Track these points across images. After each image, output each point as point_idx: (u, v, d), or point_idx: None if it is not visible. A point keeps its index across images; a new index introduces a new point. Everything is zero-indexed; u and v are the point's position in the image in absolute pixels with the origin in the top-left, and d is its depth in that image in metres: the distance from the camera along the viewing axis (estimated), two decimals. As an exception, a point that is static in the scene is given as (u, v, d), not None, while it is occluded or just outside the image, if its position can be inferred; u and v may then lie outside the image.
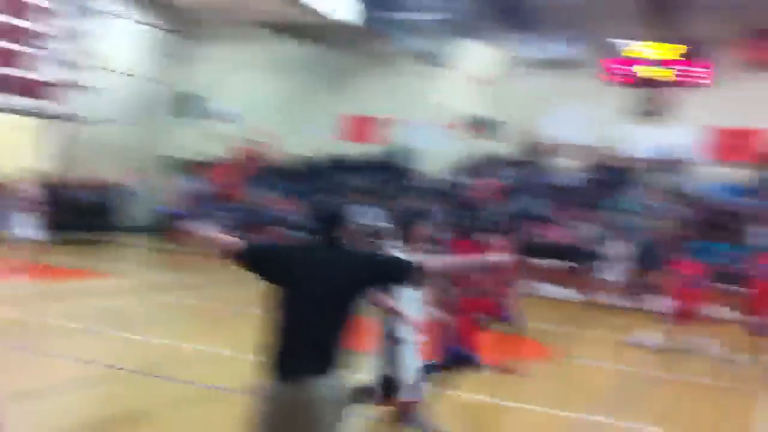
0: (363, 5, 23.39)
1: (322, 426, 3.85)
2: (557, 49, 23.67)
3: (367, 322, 5.15)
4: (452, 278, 6.88)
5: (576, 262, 18.97)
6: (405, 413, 5.54)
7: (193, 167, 27.11)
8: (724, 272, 15.79)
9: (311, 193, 24.27)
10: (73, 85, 23.33)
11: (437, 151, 24.21)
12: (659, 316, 12.37)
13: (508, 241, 7.37)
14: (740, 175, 21.36)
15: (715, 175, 21.62)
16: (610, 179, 22.29)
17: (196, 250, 22.06)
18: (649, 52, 23.02)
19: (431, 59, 23.33)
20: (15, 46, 21.79)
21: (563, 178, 23.11)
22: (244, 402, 7.57)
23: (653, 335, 12.23)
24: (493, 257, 4.52)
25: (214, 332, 11.86)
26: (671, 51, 22.74)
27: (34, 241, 15.41)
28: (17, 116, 22.44)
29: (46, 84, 22.77)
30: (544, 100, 22.94)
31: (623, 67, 23.34)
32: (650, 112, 23.14)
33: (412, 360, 5.51)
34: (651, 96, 23.16)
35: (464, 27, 22.72)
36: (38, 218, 15.86)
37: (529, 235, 19.73)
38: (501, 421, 7.87)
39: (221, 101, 27.98)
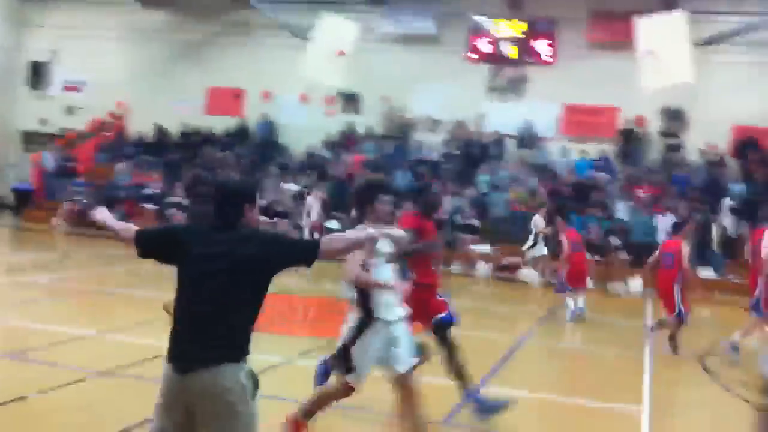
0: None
1: (229, 417, 3.57)
2: (419, 24, 23.82)
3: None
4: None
5: (444, 236, 19.23)
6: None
7: (48, 140, 25.57)
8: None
9: (171, 167, 23.50)
10: None
11: (303, 125, 23.93)
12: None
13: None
14: (595, 150, 22.35)
15: (572, 150, 22.54)
16: (473, 154, 22.76)
17: (55, 228, 21.22)
18: (506, 30, 23.58)
19: (295, 31, 22.94)
20: None
21: (428, 153, 23.40)
22: (114, 384, 7.37)
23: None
24: (394, 231, 4.39)
25: (78, 313, 11.33)
26: (522, 28, 23.38)
27: None
28: None
29: None
30: (408, 75, 23.10)
31: (484, 44, 23.80)
32: (508, 89, 23.74)
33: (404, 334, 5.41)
34: (509, 73, 23.75)
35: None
36: None
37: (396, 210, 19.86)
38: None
39: (74, 71, 26.43)
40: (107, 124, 25.87)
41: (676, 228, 12.08)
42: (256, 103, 24.91)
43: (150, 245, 3.94)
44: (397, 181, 21.78)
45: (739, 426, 7.82)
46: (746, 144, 21.27)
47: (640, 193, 20.17)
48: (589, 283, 14.73)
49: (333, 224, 19.67)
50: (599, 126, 22.77)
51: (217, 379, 3.54)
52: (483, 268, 18.60)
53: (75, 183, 22.77)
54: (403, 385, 5.41)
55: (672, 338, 10.54)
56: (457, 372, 6.44)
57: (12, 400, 6.41)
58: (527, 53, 23.44)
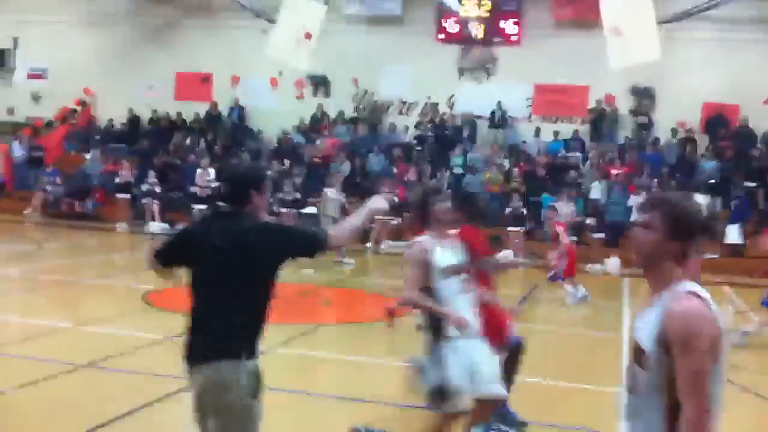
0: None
1: (225, 413, 3.56)
2: (385, 5, 23.66)
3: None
4: None
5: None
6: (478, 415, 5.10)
7: (15, 130, 25.09)
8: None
9: (142, 154, 23.26)
10: None
11: (273, 109, 23.73)
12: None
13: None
14: (567, 129, 22.45)
15: (545, 130, 22.61)
16: (445, 136, 22.75)
17: (26, 219, 20.89)
18: (473, 10, 23.49)
19: (260, 13, 22.69)
20: None
21: (401, 136, 23.36)
22: (93, 376, 7.30)
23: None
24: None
25: (54, 305, 11.19)
26: (487, 8, 23.33)
27: None
28: None
29: None
30: (377, 57, 22.95)
31: (451, 24, 23.71)
32: (478, 69, 23.70)
33: (477, 358, 4.92)
34: (478, 53, 23.71)
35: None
36: None
37: (371, 193, 19.84)
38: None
39: (37, 58, 25.92)
40: (74, 111, 25.48)
41: None
42: (225, 88, 24.64)
43: (169, 256, 3.89)
44: (371, 165, 21.78)
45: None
46: (716, 121, 21.48)
47: (613, 172, 20.30)
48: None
49: (311, 210, 19.58)
50: (570, 105, 22.85)
51: (215, 374, 3.54)
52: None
53: (45, 173, 22.46)
54: (480, 407, 5.04)
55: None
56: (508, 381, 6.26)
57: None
58: (494, 33, 23.39)
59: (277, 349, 8.55)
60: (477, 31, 23.53)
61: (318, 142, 22.61)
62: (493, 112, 22.99)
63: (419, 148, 22.49)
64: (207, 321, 3.63)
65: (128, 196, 21.24)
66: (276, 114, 23.60)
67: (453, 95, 23.50)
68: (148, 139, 23.94)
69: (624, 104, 22.52)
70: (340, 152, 21.87)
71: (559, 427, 6.50)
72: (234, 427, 3.56)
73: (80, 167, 23.23)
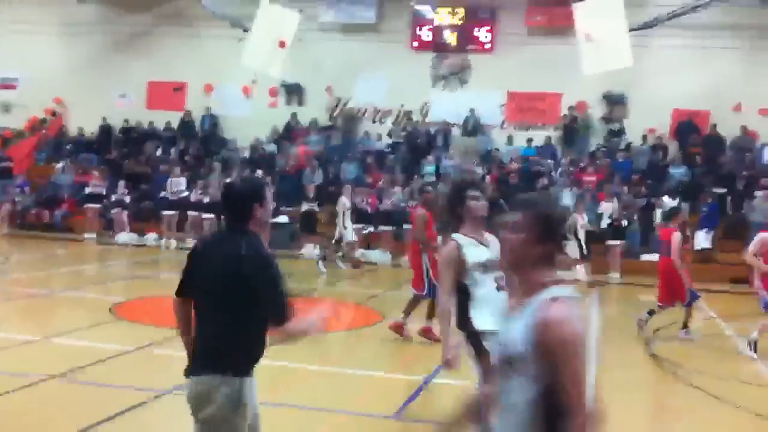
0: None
1: (206, 425, 3.70)
2: (360, 13, 23.70)
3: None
4: None
5: (392, 226, 19.23)
6: None
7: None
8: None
9: (113, 165, 23.10)
10: None
11: (247, 117, 23.65)
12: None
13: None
14: (539, 136, 22.58)
15: (518, 137, 22.71)
16: (419, 144, 22.77)
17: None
18: (447, 18, 23.60)
19: (234, 21, 22.63)
20: None
21: (374, 144, 23.37)
22: (63, 389, 7.21)
23: None
24: None
25: (23, 317, 11.06)
26: (461, 16, 23.43)
27: None
28: None
29: None
30: (351, 65, 22.98)
31: (425, 32, 23.79)
32: (452, 77, 23.78)
33: None
34: (452, 61, 23.79)
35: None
36: None
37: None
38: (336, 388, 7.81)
39: (7, 68, 25.58)
40: (45, 121, 25.23)
41: (668, 216, 12.24)
42: (198, 97, 24.53)
43: (187, 285, 3.88)
44: (345, 172, 21.75)
45: (681, 408, 8.01)
46: (686, 127, 21.69)
47: (585, 179, 20.42)
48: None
49: (282, 219, 19.51)
50: (543, 112, 22.99)
51: (200, 386, 3.67)
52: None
53: (14, 183, 22.20)
54: None
55: (685, 326, 10.77)
56: None
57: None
58: (468, 41, 23.51)
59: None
60: (451, 39, 23.63)
61: (291, 150, 22.54)
62: (466, 120, 23.06)
63: (393, 155, 22.48)
64: (202, 337, 3.75)
65: (98, 206, 21.04)
66: (249, 122, 23.52)
67: (427, 103, 23.56)
68: (119, 149, 23.76)
69: (596, 111, 22.68)
70: (312, 160, 21.81)
71: None
72: None
73: (50, 177, 22.98)
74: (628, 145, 22.00)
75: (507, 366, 2.56)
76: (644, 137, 22.00)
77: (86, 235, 20.31)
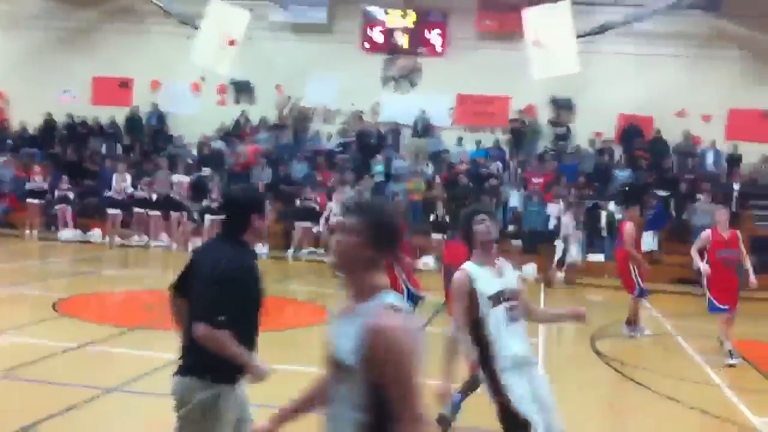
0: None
1: (179, 425, 3.81)
2: (311, 13, 23.61)
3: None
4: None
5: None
6: None
7: None
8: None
9: (56, 160, 22.61)
10: None
11: (195, 114, 23.37)
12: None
13: None
14: (488, 139, 22.76)
15: (467, 139, 22.85)
16: (369, 144, 22.77)
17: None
18: (399, 20, 23.66)
19: (183, 19, 22.35)
20: None
21: (324, 143, 23.29)
22: (4, 387, 7.01)
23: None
24: None
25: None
26: (413, 18, 23.52)
27: None
28: None
29: None
30: (302, 65, 22.86)
31: (377, 34, 23.81)
32: (402, 79, 23.83)
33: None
34: (402, 63, 23.85)
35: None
36: None
37: (293, 200, 19.75)
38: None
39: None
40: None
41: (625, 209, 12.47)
42: (145, 93, 24.16)
43: (182, 284, 3.95)
44: (294, 171, 21.64)
45: (628, 406, 8.13)
46: (631, 131, 22.09)
47: (532, 181, 20.66)
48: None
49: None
50: (491, 115, 23.17)
51: (177, 387, 3.78)
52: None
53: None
54: None
55: (629, 322, 10.99)
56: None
57: None
58: (419, 43, 23.60)
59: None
60: (402, 41, 23.69)
61: (239, 148, 22.33)
62: (416, 121, 23.15)
63: (343, 155, 22.44)
64: (188, 340, 3.78)
65: (41, 201, 20.55)
66: (197, 120, 23.24)
67: (377, 103, 23.56)
68: (63, 145, 23.26)
69: (544, 115, 22.96)
70: (261, 159, 21.65)
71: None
72: None
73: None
74: (576, 149, 22.31)
75: (335, 371, 2.51)
76: (591, 141, 22.34)
77: (27, 231, 19.81)
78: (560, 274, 16.90)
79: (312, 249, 18.88)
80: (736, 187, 20.36)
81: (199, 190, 20.11)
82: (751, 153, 21.45)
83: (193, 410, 3.69)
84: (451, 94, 23.22)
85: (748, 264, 9.65)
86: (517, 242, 18.79)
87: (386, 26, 23.72)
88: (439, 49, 23.53)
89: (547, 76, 19.63)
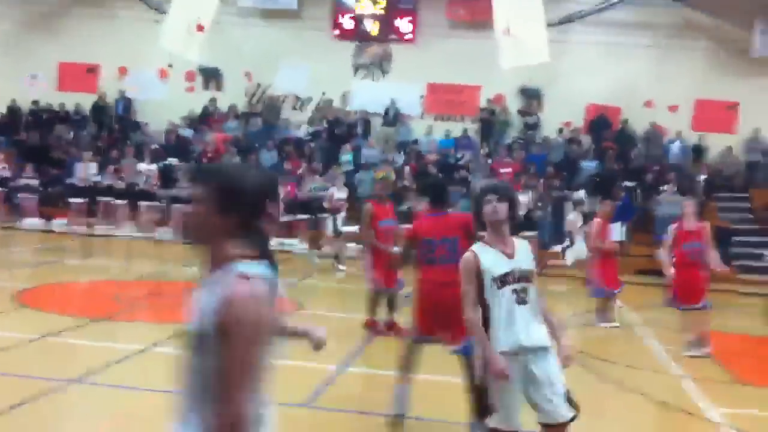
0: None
1: None
2: (283, 0, 23.42)
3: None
4: None
5: (309, 215, 19.09)
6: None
7: None
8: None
9: (21, 147, 22.27)
10: None
11: (162, 101, 23.12)
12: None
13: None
14: (458, 128, 22.78)
15: (437, 129, 22.86)
16: (339, 133, 22.68)
17: None
18: (369, 7, 23.54)
19: (151, 3, 22.07)
20: None
21: (293, 132, 23.16)
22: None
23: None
24: None
25: None
26: (382, 5, 23.42)
27: None
28: None
29: None
30: (272, 51, 22.70)
31: (347, 21, 23.68)
32: (373, 67, 23.76)
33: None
34: (373, 50, 23.78)
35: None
36: None
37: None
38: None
39: None
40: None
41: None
42: (113, 79, 23.85)
43: None
44: (263, 160, 21.50)
45: (588, 396, 8.18)
46: (599, 122, 22.24)
47: (501, 170, 20.71)
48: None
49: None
50: (461, 104, 23.21)
51: None
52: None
53: None
54: None
55: (598, 310, 11.23)
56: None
57: None
58: (390, 31, 23.52)
59: (154, 347, 8.32)
60: (372, 28, 23.59)
61: (208, 136, 22.14)
62: (386, 110, 23.10)
63: (312, 143, 22.34)
64: None
65: (3, 189, 20.24)
66: (165, 107, 23.00)
67: (347, 92, 23.47)
68: (27, 131, 22.90)
69: (513, 104, 23.03)
70: (230, 147, 21.49)
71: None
72: None
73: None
74: (545, 139, 22.41)
75: (189, 341, 2.41)
76: (560, 131, 22.46)
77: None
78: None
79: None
80: (701, 177, 20.62)
81: (166, 178, 19.93)
82: (716, 144, 21.74)
83: None
84: (422, 83, 23.20)
85: (713, 257, 9.60)
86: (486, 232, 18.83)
87: (357, 13, 23.58)
88: (409, 37, 23.48)
89: (516, 66, 19.67)
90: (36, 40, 23.92)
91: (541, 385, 4.37)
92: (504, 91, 22.59)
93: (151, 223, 18.96)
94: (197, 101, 23.49)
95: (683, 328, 9.80)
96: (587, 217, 15.86)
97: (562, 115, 22.38)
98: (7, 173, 20.38)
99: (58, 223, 19.67)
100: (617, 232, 18.28)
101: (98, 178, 19.83)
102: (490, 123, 22.75)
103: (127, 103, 23.80)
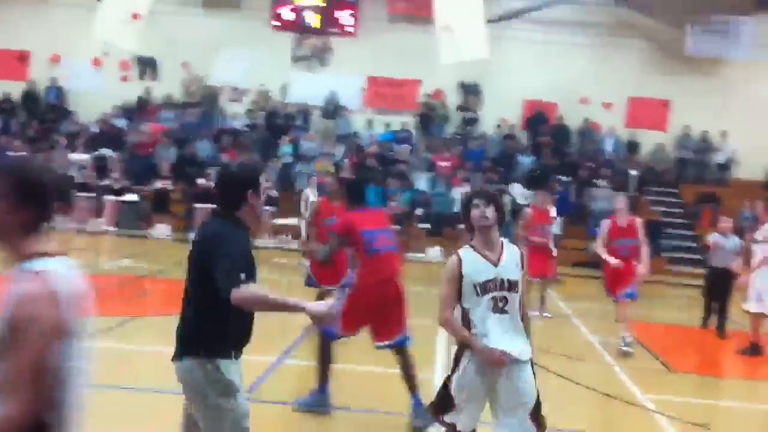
0: None
1: (198, 411, 3.70)
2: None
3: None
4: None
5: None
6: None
7: None
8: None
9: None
10: None
11: (95, 90, 22.55)
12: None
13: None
14: (397, 121, 22.83)
15: (377, 122, 22.86)
16: (277, 125, 22.51)
17: None
18: None
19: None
20: None
21: (231, 123, 22.87)
22: None
23: None
24: None
25: None
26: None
27: None
28: None
29: None
30: (210, 41, 22.33)
31: (287, 12, 23.48)
32: (313, 59, 23.63)
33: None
34: (313, 42, 23.63)
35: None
36: None
37: (197, 180, 19.37)
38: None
39: None
40: None
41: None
42: (44, 67, 23.18)
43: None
44: (200, 151, 21.21)
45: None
46: (536, 118, 22.54)
47: (440, 164, 20.85)
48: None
49: (132, 197, 18.83)
50: (401, 98, 23.22)
51: (181, 372, 3.69)
52: (288, 240, 18.37)
53: None
54: None
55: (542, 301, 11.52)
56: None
57: None
58: (330, 23, 23.41)
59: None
60: (313, 20, 23.43)
61: (142, 127, 21.72)
62: (326, 102, 22.99)
63: (250, 135, 22.11)
64: (180, 321, 3.75)
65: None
66: (98, 96, 22.42)
67: (286, 83, 23.29)
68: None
69: (452, 99, 23.17)
70: (166, 137, 21.13)
71: (376, 413, 6.54)
72: (208, 427, 3.66)
73: None
74: (483, 134, 22.61)
75: None
76: (497, 126, 22.68)
77: None
78: None
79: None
80: (633, 173, 21.08)
81: (99, 169, 19.50)
82: (648, 141, 22.25)
83: (199, 388, 3.62)
84: (362, 76, 23.15)
85: (644, 253, 9.56)
86: (424, 225, 18.99)
87: (297, 4, 23.37)
88: (350, 29, 23.39)
89: (455, 61, 19.80)
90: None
91: (507, 400, 4.33)
92: (444, 86, 22.70)
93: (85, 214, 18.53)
94: (132, 91, 23.00)
95: (617, 318, 9.99)
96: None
97: (500, 111, 22.58)
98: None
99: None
100: (555, 225, 18.64)
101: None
102: (429, 117, 22.85)
103: (59, 91, 23.17)
